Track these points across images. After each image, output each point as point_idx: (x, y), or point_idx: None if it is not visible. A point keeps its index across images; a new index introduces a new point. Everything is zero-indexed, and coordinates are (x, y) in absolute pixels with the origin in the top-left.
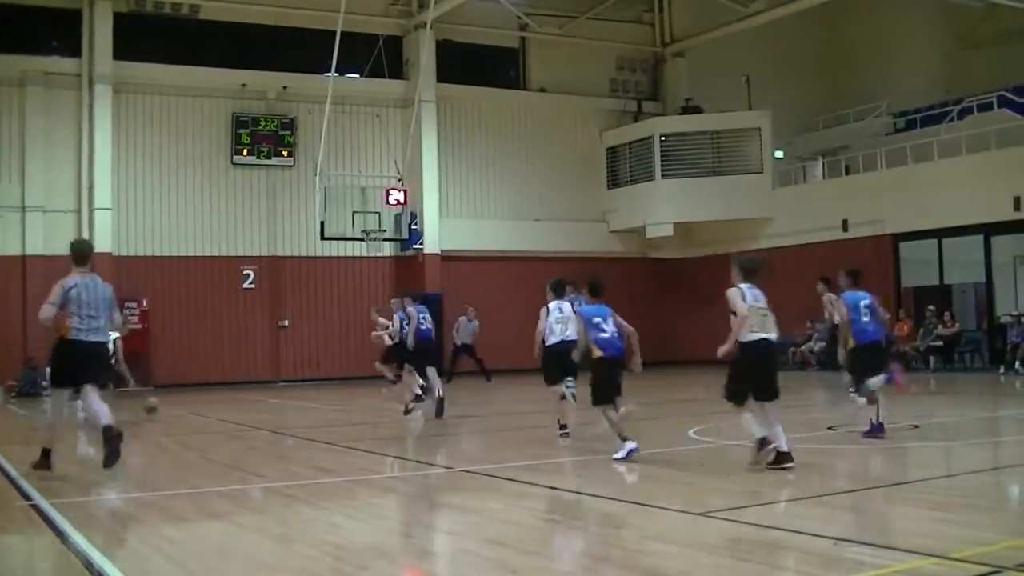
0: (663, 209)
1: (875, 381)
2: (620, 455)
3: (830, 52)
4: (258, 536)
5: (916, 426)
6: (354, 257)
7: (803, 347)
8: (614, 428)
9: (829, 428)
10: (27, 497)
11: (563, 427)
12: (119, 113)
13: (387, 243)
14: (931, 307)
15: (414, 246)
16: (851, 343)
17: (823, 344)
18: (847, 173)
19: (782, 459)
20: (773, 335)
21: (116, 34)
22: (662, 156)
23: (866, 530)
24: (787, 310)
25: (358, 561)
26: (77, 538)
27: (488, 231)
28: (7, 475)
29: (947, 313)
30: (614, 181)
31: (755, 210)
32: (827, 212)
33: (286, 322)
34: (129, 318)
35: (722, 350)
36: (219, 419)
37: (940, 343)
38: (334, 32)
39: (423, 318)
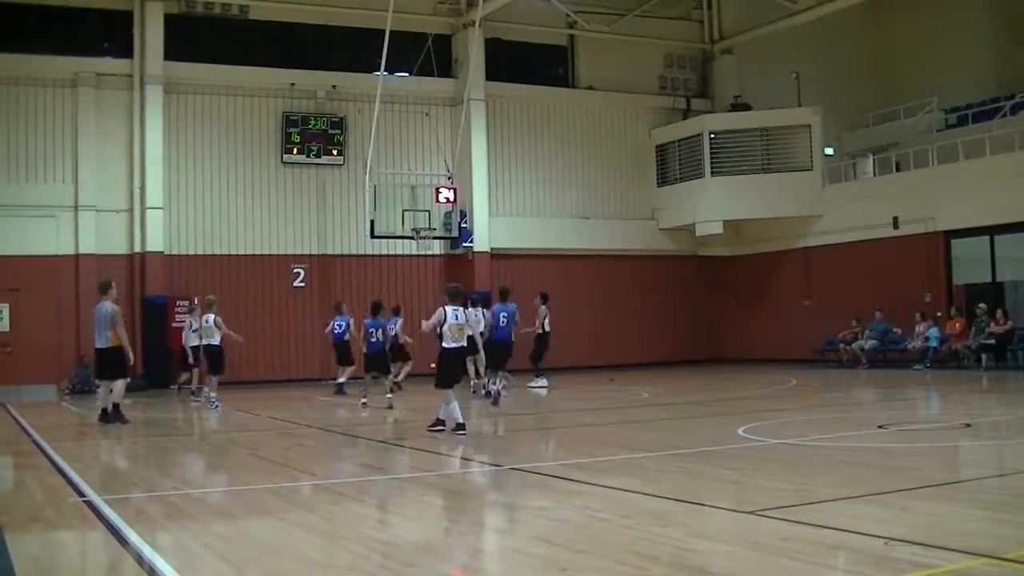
0: (712, 207)
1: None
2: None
3: (880, 47)
4: (307, 533)
5: (968, 424)
6: (404, 255)
7: (853, 345)
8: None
9: (879, 427)
10: (80, 493)
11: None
12: (170, 113)
13: (437, 241)
14: (982, 305)
15: (464, 244)
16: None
17: (874, 343)
18: (898, 170)
19: (438, 424)
20: (465, 343)
21: (167, 35)
22: (711, 153)
23: (917, 529)
24: (835, 309)
25: (406, 558)
26: (129, 534)
27: (538, 229)
28: (61, 471)
29: (999, 311)
30: (663, 179)
31: (805, 208)
32: (878, 209)
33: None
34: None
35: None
36: (269, 416)
37: (992, 341)
38: (383, 31)
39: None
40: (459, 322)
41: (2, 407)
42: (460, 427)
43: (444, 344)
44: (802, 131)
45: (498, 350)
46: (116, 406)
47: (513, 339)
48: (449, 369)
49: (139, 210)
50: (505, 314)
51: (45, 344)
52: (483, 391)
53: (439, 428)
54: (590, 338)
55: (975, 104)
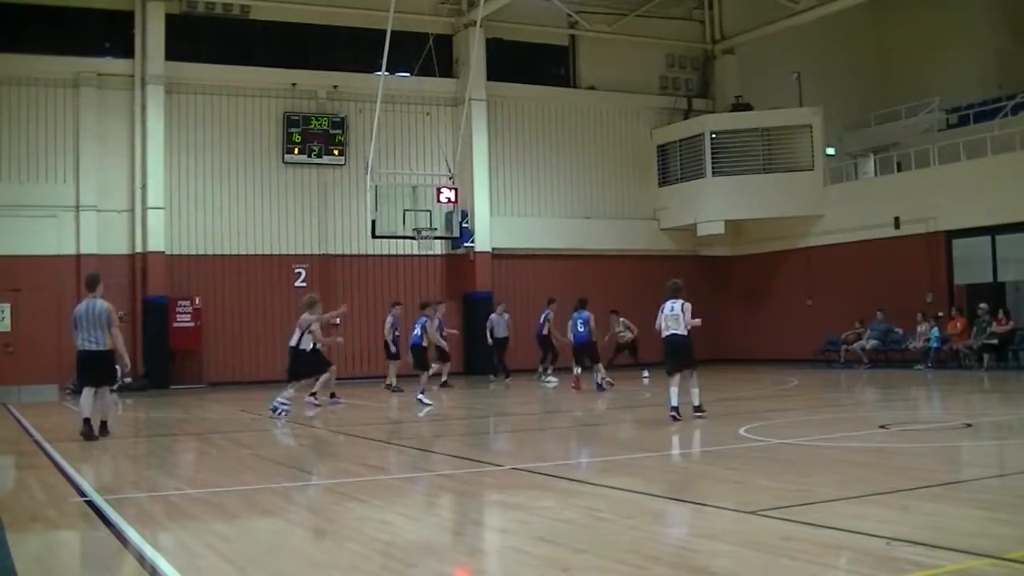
0: (714, 207)
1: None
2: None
3: (881, 48)
4: (309, 533)
5: (969, 425)
6: (405, 255)
7: (854, 345)
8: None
9: (881, 427)
10: (82, 493)
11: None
12: (171, 113)
13: (438, 241)
14: (983, 305)
15: (465, 244)
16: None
17: (875, 343)
18: (899, 170)
19: (697, 411)
20: (682, 332)
21: (168, 35)
22: (712, 154)
23: (919, 529)
24: (836, 309)
25: (408, 559)
26: (130, 533)
27: (539, 229)
28: (62, 471)
29: (1000, 311)
30: (664, 179)
31: (806, 207)
32: (879, 209)
33: (338, 320)
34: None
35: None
36: (271, 417)
37: (994, 341)
38: (384, 31)
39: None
40: (674, 314)
41: (3, 407)
42: (696, 409)
43: (663, 334)
44: (803, 131)
45: (579, 350)
46: (104, 423)
47: (594, 338)
48: (667, 356)
49: (140, 210)
50: (581, 320)
51: (46, 344)
52: (595, 385)
53: (700, 415)
54: None
55: (976, 104)
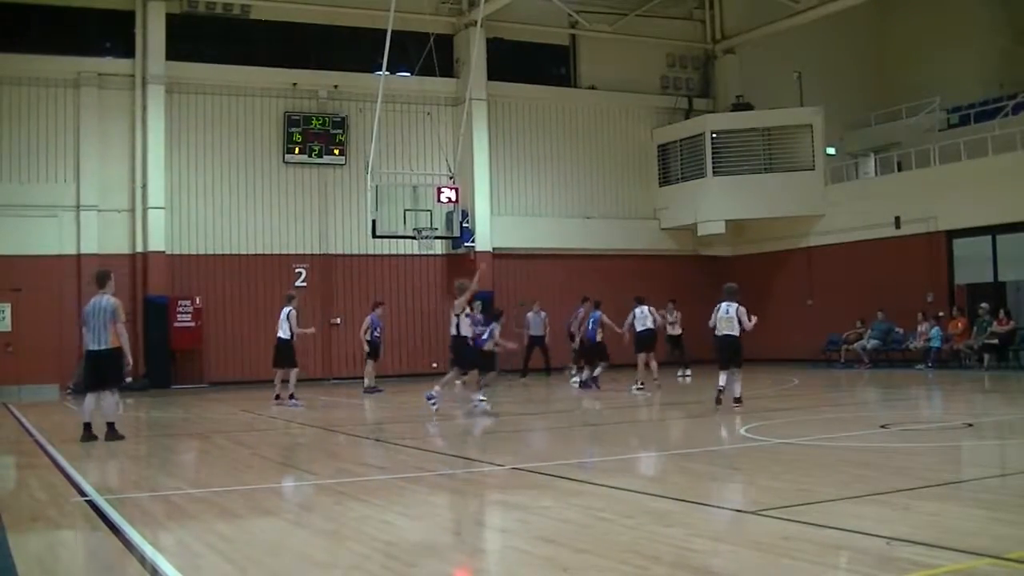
0: (714, 206)
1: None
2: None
3: (882, 47)
4: (309, 533)
5: (970, 424)
6: (406, 255)
7: (855, 345)
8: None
9: (882, 427)
10: (83, 493)
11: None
12: (172, 113)
13: (439, 241)
14: (984, 304)
15: (465, 244)
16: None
17: (876, 343)
18: (900, 169)
19: (736, 402)
20: (735, 332)
21: (169, 35)
22: (713, 153)
23: (919, 529)
24: (837, 309)
25: (409, 559)
26: (131, 533)
27: (539, 229)
28: (63, 471)
29: (1001, 311)
30: (665, 178)
31: (807, 207)
32: (879, 209)
33: (338, 320)
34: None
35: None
36: (271, 416)
37: (995, 341)
38: (384, 31)
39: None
40: (728, 316)
41: (4, 407)
42: (735, 400)
43: (716, 333)
44: (804, 131)
45: (588, 348)
46: (111, 425)
47: (599, 338)
48: (719, 352)
49: (141, 210)
50: (592, 319)
51: (47, 344)
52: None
53: (726, 402)
54: None
55: (977, 104)
